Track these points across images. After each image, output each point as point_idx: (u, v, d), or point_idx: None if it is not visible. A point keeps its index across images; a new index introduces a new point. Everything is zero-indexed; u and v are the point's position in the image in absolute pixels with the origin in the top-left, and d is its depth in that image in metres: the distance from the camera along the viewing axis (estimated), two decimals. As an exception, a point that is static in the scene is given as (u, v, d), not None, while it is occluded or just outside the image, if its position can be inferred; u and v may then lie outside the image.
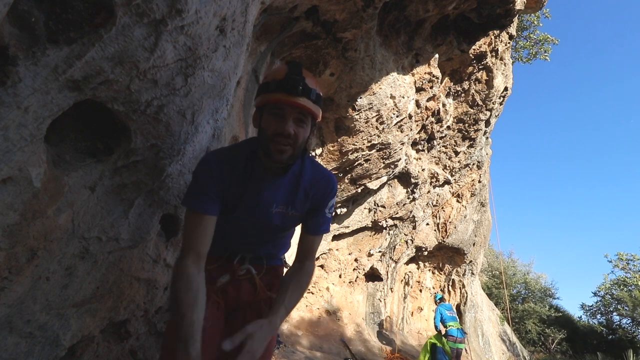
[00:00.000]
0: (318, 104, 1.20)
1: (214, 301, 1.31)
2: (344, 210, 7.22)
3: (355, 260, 8.36)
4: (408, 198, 8.04)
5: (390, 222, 8.19)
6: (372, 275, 8.86)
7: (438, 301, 7.45)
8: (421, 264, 10.72)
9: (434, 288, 11.26)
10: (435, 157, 8.25)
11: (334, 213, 1.49)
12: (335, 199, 1.40)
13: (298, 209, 1.33)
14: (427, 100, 6.46)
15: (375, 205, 7.65)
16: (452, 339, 6.62)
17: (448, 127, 7.72)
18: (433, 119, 7.11)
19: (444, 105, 7.07)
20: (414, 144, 7.47)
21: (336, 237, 7.91)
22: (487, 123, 8.34)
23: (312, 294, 7.69)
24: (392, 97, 5.35)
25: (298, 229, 1.44)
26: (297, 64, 1.19)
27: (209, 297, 1.30)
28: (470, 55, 6.41)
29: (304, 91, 1.14)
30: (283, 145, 1.15)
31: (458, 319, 7.02)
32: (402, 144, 6.35)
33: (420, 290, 10.93)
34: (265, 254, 1.43)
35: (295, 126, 1.16)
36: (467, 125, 7.93)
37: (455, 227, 9.79)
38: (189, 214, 1.22)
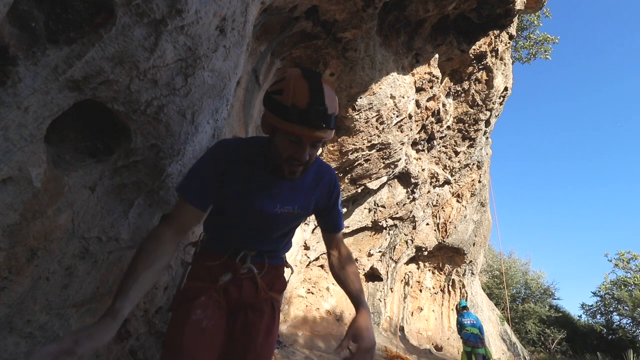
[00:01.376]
0: (334, 126, 1.14)
1: (215, 300, 1.31)
2: (344, 210, 7.22)
3: (356, 260, 8.35)
4: (408, 198, 8.03)
5: (390, 222, 8.19)
6: (372, 275, 8.86)
7: (461, 309, 7.39)
8: (421, 264, 10.72)
9: (433, 288, 11.26)
10: (435, 157, 8.25)
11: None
12: (340, 192, 1.44)
13: (303, 207, 1.35)
14: (427, 100, 6.46)
15: (375, 205, 7.64)
16: (463, 341, 6.70)
17: (448, 127, 7.71)
18: (433, 119, 7.11)
19: (444, 105, 7.07)
20: (414, 144, 7.47)
21: (336, 237, 7.90)
22: (487, 123, 8.34)
23: (312, 294, 7.68)
24: (392, 97, 5.35)
25: (299, 232, 1.46)
26: (318, 83, 1.06)
27: (210, 296, 1.31)
28: (470, 55, 6.41)
29: (325, 124, 1.06)
30: (296, 167, 1.16)
31: (478, 326, 6.93)
32: (402, 144, 6.35)
33: (420, 290, 10.93)
34: (267, 253, 1.44)
35: (310, 149, 1.14)
36: (467, 125, 7.93)
37: (455, 227, 9.79)
38: (180, 200, 1.25)
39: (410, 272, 10.49)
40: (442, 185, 8.97)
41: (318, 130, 1.06)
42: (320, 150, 5.71)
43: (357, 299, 1.34)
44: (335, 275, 1.43)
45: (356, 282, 1.38)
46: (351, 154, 5.80)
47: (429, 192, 8.61)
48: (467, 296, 11.56)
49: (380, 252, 8.54)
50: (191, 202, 1.22)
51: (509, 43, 7.13)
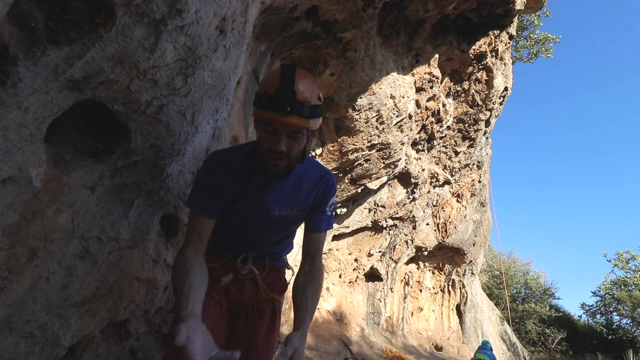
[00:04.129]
0: (313, 116, 1.12)
1: (216, 301, 1.32)
2: (344, 210, 7.22)
3: (355, 260, 8.35)
4: (408, 198, 8.03)
5: (390, 222, 8.18)
6: (372, 275, 8.86)
7: (481, 344, 7.18)
8: (421, 264, 10.72)
9: (433, 288, 11.25)
10: (435, 157, 8.24)
11: (334, 212, 1.50)
12: (335, 197, 1.41)
13: (302, 209, 1.35)
14: (427, 100, 6.45)
15: (375, 205, 7.64)
16: None
17: (448, 127, 7.71)
18: (433, 119, 7.10)
19: (444, 105, 7.06)
20: (414, 144, 7.46)
21: (336, 237, 7.91)
22: (487, 123, 8.34)
23: (312, 294, 7.68)
24: (392, 97, 5.35)
25: (299, 232, 1.45)
26: (290, 71, 1.08)
27: (211, 297, 1.31)
28: (470, 55, 6.40)
29: (293, 109, 1.06)
30: (277, 159, 1.15)
31: (489, 355, 6.70)
32: (402, 144, 6.35)
33: (420, 290, 10.92)
34: (268, 254, 1.44)
35: (288, 141, 1.13)
36: (467, 125, 7.93)
37: (455, 227, 9.78)
38: (191, 212, 1.29)
39: (410, 272, 10.49)
40: (442, 185, 8.96)
41: (285, 115, 1.07)
42: (320, 150, 5.71)
43: (302, 316, 1.25)
44: (300, 287, 1.32)
45: (311, 303, 1.28)
46: (351, 154, 5.79)
47: (429, 192, 8.61)
48: (467, 296, 11.55)
49: (380, 252, 8.54)
50: (204, 214, 1.26)
51: (509, 43, 7.13)
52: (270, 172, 1.21)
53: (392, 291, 9.68)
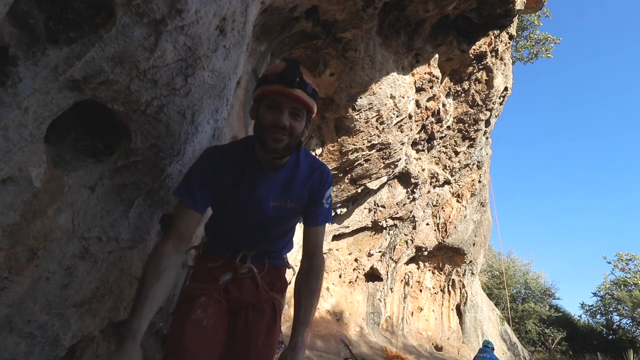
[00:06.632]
0: (314, 97, 1.23)
1: (216, 300, 1.32)
2: (344, 210, 7.22)
3: (355, 260, 8.35)
4: (408, 198, 8.03)
5: (390, 222, 8.19)
6: (372, 275, 8.86)
7: (483, 345, 6.84)
8: (421, 264, 10.72)
9: (433, 288, 11.25)
10: (435, 157, 8.24)
11: (332, 207, 1.50)
12: (332, 189, 1.42)
13: (296, 201, 1.35)
14: (427, 100, 6.45)
15: (375, 205, 7.64)
16: None
17: (448, 127, 7.71)
18: (433, 119, 7.10)
19: (444, 105, 7.07)
20: (414, 144, 7.47)
21: (336, 237, 7.91)
22: (487, 123, 8.34)
23: (312, 294, 7.67)
24: (392, 97, 5.35)
25: (299, 230, 1.45)
26: (295, 61, 1.23)
27: (211, 296, 1.31)
28: (470, 55, 6.40)
29: (300, 84, 1.18)
30: (279, 135, 1.19)
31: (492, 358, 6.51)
32: (402, 144, 6.35)
33: (420, 290, 10.92)
34: (266, 251, 1.44)
35: (290, 119, 1.20)
36: (467, 125, 7.93)
37: (455, 227, 9.78)
38: (179, 203, 1.27)
39: (410, 272, 10.49)
40: (442, 185, 8.97)
41: (293, 88, 1.18)
42: (320, 150, 5.71)
43: (295, 326, 1.25)
44: (296, 290, 1.32)
45: (306, 310, 1.27)
46: (351, 154, 5.80)
47: (429, 192, 8.61)
48: (467, 296, 11.55)
49: (380, 252, 8.54)
50: (190, 205, 1.23)
51: (509, 43, 7.13)
52: (269, 150, 1.21)
53: (392, 291, 9.69)
